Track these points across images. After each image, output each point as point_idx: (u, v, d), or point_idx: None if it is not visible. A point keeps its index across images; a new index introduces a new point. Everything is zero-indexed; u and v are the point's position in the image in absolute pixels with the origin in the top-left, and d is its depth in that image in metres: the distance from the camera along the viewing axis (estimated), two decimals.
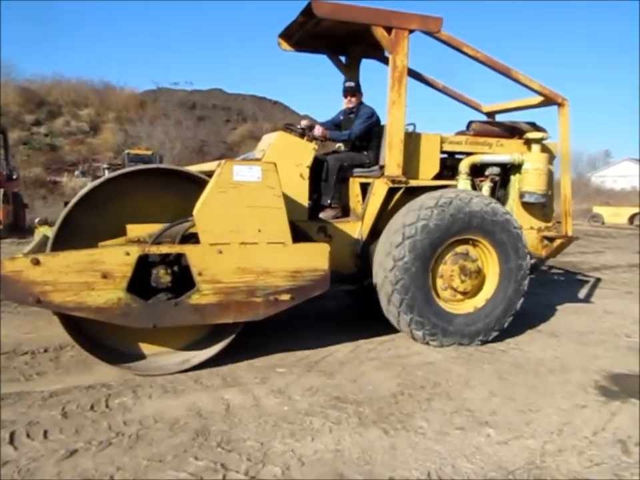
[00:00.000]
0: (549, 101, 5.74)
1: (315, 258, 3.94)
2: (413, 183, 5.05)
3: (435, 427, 3.23)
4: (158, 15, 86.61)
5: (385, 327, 5.10)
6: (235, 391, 3.63)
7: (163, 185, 3.94)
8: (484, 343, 4.83)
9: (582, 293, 7.52)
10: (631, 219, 22.99)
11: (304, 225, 4.65)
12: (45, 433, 2.97)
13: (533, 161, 5.42)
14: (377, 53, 5.82)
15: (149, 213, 3.91)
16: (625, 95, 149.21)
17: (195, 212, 3.68)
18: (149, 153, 17.40)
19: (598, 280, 8.76)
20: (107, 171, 15.39)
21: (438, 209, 4.57)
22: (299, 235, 4.28)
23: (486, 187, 5.49)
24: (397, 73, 4.86)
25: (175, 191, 3.97)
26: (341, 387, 3.77)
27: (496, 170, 5.52)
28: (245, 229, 3.76)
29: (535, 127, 5.77)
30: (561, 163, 5.81)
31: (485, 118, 6.60)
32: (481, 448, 3.02)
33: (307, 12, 4.69)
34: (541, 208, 5.70)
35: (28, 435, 2.94)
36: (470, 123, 5.78)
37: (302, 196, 4.69)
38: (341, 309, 6.25)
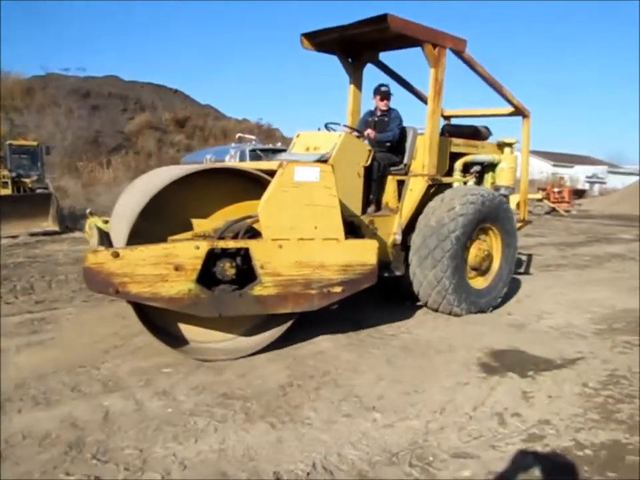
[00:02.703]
0: (517, 112, 6.71)
1: (364, 253, 4.27)
2: (444, 180, 5.84)
3: (323, 417, 3.24)
4: None
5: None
6: (116, 397, 3.44)
7: (223, 183, 4.15)
8: (494, 309, 5.83)
9: None
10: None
11: (358, 220, 5.03)
12: None
13: (507, 160, 6.50)
14: (377, 60, 6.52)
15: (210, 208, 4.13)
16: (524, 86, 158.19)
17: (259, 209, 3.94)
18: (34, 144, 16.08)
19: None
20: None
21: (471, 204, 5.33)
22: (350, 230, 4.62)
23: (471, 182, 6.29)
24: (437, 85, 5.47)
25: (233, 187, 4.19)
26: (229, 383, 3.69)
27: (478, 168, 6.42)
28: (303, 226, 4.05)
29: (487, 129, 6.72)
30: (522, 162, 6.90)
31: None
32: (367, 433, 3.06)
33: (376, 22, 5.02)
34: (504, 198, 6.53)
35: None
36: (445, 126, 6.54)
37: (358, 193, 5.08)
38: None
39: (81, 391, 3.52)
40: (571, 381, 3.88)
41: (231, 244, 3.86)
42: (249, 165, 4.53)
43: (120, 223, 4.03)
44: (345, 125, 5.69)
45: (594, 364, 4.25)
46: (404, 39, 5.32)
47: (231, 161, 17.18)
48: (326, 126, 5.60)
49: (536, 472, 2.73)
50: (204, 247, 3.71)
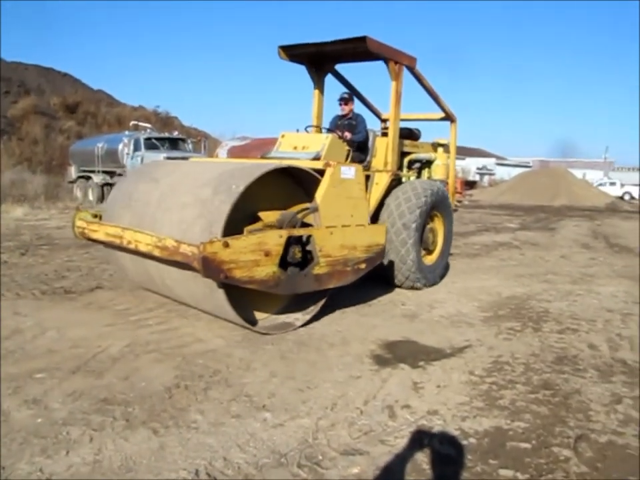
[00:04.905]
0: (447, 118, 7.95)
1: (378, 235, 5.23)
2: (401, 174, 6.99)
3: (210, 419, 3.08)
4: None
5: (166, 315, 4.84)
6: None
7: (273, 179, 4.53)
8: (440, 279, 7.08)
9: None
10: None
11: None
12: None
13: (441, 158, 7.60)
14: (335, 71, 7.33)
15: (267, 202, 4.60)
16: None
17: (319, 202, 4.72)
18: None
19: None
20: None
21: (428, 195, 6.34)
22: None
23: (413, 177, 7.29)
24: (397, 96, 6.47)
25: (279, 184, 4.71)
26: (110, 387, 3.42)
27: (418, 164, 7.49)
28: (344, 215, 4.93)
29: (419, 131, 7.83)
30: (450, 159, 8.01)
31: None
32: (255, 434, 2.94)
33: (355, 42, 5.88)
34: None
35: None
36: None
37: None
38: (117, 294, 5.75)
39: None
40: (458, 370, 3.98)
41: (302, 232, 4.45)
42: (299, 165, 5.02)
43: (180, 214, 4.31)
44: (328, 129, 6.65)
45: (480, 351, 4.40)
46: (370, 55, 6.19)
47: (124, 149, 16.41)
48: (306, 129, 6.71)
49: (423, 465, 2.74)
50: (284, 235, 4.26)
